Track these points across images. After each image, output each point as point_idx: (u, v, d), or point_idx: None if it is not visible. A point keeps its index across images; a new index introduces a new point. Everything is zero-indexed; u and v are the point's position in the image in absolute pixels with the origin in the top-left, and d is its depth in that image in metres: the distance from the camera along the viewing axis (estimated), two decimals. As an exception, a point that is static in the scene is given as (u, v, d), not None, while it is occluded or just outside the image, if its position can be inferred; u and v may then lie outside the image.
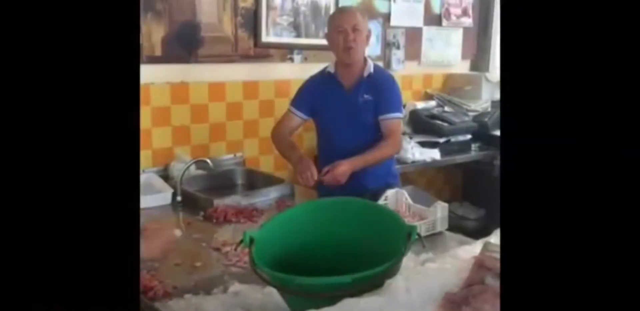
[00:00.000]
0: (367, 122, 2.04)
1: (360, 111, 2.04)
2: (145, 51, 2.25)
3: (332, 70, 2.09)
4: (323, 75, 2.12)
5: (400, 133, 2.09)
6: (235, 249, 1.32)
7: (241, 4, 2.48)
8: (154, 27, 2.25)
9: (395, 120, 2.04)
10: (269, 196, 2.11)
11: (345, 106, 2.05)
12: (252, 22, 2.53)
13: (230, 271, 1.42)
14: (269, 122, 2.54)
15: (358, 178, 1.96)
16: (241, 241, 1.15)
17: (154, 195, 2.04)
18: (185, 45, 2.36)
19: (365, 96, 2.03)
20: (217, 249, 1.57)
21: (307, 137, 2.74)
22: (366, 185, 2.01)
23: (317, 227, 1.25)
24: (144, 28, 2.22)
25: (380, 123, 2.03)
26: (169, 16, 2.29)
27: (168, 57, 2.32)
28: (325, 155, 2.13)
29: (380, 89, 2.03)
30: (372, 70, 2.05)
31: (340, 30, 1.97)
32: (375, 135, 2.04)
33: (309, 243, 1.24)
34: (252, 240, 1.14)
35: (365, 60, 2.07)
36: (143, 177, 2.20)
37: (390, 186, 2.01)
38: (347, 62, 2.02)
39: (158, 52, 2.29)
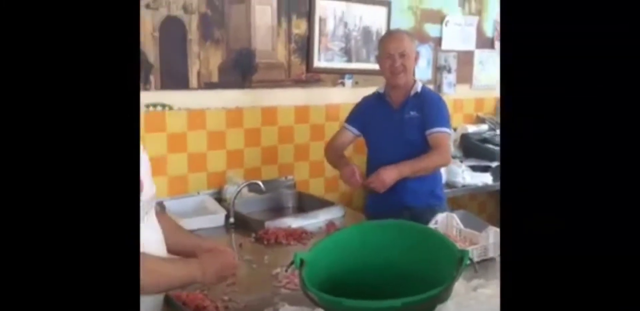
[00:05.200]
0: (412, 138, 2.08)
1: (406, 127, 2.09)
2: (202, 78, 2.34)
3: (382, 90, 2.19)
4: (374, 95, 2.23)
5: (448, 147, 2.10)
6: (286, 270, 1.34)
7: (295, 31, 2.56)
8: (211, 54, 2.35)
9: (442, 134, 2.05)
10: (318, 218, 2.13)
11: (392, 123, 2.12)
12: (304, 48, 2.60)
13: (280, 292, 1.44)
14: (320, 145, 2.57)
15: (397, 194, 2.01)
16: (292, 262, 1.17)
17: (207, 217, 2.10)
18: (241, 71, 2.44)
19: (412, 113, 2.09)
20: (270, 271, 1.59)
21: (357, 159, 2.76)
22: (405, 203, 2.05)
23: (367, 249, 1.25)
24: (202, 55, 2.33)
25: (427, 138, 2.05)
26: (226, 44, 2.39)
27: (224, 83, 2.40)
28: (372, 170, 2.15)
29: (426, 106, 2.08)
30: (419, 89, 2.12)
31: (388, 56, 2.06)
32: (421, 152, 2.05)
33: (358, 266, 1.24)
34: (302, 262, 1.15)
35: (414, 81, 2.14)
36: (198, 199, 2.28)
37: (432, 207, 2.01)
38: (394, 85, 2.11)
39: (215, 78, 2.38)
